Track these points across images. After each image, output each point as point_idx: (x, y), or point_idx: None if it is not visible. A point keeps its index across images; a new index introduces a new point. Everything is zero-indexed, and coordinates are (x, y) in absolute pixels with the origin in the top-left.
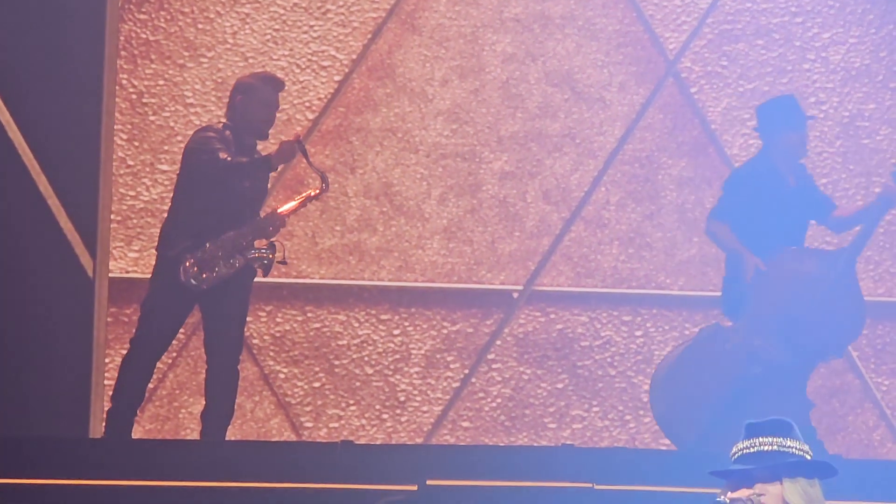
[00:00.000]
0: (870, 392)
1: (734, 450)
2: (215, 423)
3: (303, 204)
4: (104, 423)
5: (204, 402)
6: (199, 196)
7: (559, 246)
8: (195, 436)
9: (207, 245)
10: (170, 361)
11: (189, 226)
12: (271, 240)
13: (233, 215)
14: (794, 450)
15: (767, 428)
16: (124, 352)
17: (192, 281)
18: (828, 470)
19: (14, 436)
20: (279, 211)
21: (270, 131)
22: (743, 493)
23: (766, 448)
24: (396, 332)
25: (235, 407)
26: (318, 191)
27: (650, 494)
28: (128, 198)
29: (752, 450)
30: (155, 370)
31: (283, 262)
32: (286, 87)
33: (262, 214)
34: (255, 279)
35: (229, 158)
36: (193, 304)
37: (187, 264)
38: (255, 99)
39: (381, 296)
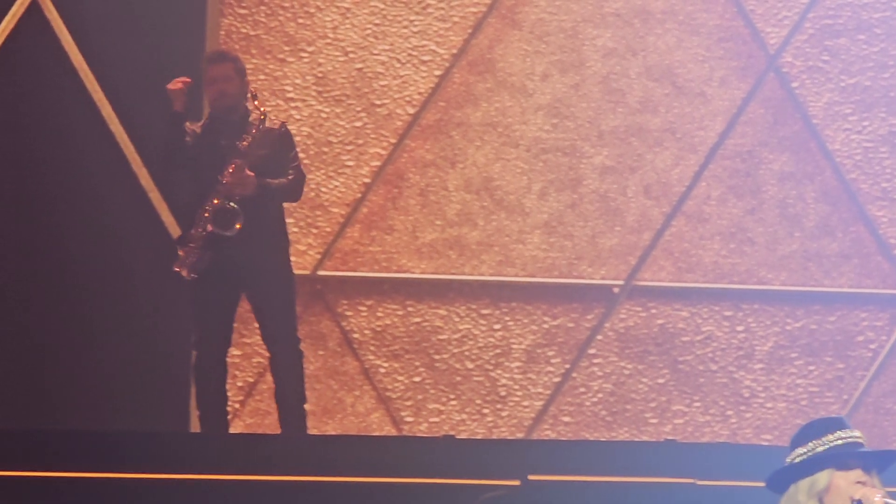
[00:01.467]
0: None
1: (848, 435)
2: (289, 405)
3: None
4: (200, 427)
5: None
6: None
7: (660, 241)
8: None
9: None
10: (269, 356)
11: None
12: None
13: (202, 194)
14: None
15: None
16: None
17: (191, 272)
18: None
19: (115, 430)
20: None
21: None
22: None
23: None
24: (497, 326)
25: (334, 401)
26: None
27: (752, 490)
28: None
29: (862, 439)
30: (253, 364)
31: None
32: (386, 83)
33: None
34: (356, 272)
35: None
36: (238, 294)
37: (181, 254)
38: (204, 82)
39: (482, 290)
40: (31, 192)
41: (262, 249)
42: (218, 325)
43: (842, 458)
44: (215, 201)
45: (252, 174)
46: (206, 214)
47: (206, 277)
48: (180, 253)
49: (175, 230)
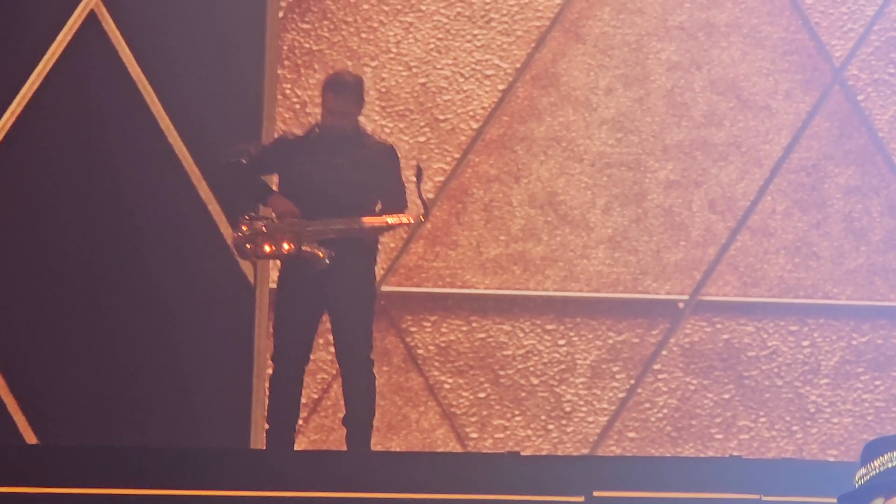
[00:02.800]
0: None
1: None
2: (357, 428)
3: (390, 227)
4: (265, 442)
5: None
6: (282, 192)
7: (725, 255)
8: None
9: (274, 218)
10: (335, 371)
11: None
12: (323, 251)
13: (307, 210)
14: None
15: None
16: None
17: (236, 248)
18: None
19: (176, 447)
20: (363, 219)
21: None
22: None
23: None
24: (562, 342)
25: (398, 418)
26: (410, 220)
27: None
28: None
29: None
30: (318, 380)
31: (323, 264)
32: (450, 97)
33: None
34: (420, 288)
35: (244, 161)
36: (322, 310)
37: (243, 228)
38: (322, 106)
39: (546, 306)
40: (95, 205)
41: (352, 267)
42: (298, 340)
43: (891, 486)
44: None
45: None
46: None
47: (291, 290)
48: (244, 228)
49: (221, 220)
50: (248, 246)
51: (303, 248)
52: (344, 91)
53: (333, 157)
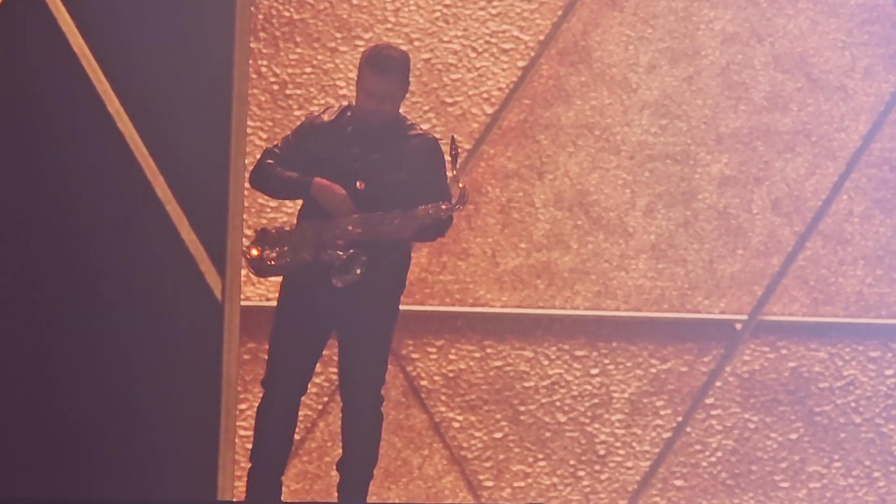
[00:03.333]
0: None
1: None
2: (354, 477)
3: (446, 213)
4: (246, 486)
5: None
6: None
7: (792, 266)
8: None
9: (285, 227)
10: (320, 407)
11: (301, 216)
12: (357, 251)
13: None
14: None
15: None
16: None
17: (256, 264)
18: None
19: (128, 501)
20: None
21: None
22: None
23: None
24: (594, 371)
25: (397, 462)
26: (445, 206)
27: None
28: (267, 209)
29: None
30: (300, 418)
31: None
32: (459, 77)
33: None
34: (424, 306)
35: (271, 162)
36: (329, 330)
37: (253, 252)
38: (359, 85)
39: (576, 327)
40: (29, 203)
41: (374, 281)
42: (298, 365)
43: None
44: (339, 242)
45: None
46: (325, 240)
47: (295, 301)
48: (259, 253)
49: (197, 248)
50: (270, 263)
51: (338, 253)
52: (387, 70)
53: (368, 152)
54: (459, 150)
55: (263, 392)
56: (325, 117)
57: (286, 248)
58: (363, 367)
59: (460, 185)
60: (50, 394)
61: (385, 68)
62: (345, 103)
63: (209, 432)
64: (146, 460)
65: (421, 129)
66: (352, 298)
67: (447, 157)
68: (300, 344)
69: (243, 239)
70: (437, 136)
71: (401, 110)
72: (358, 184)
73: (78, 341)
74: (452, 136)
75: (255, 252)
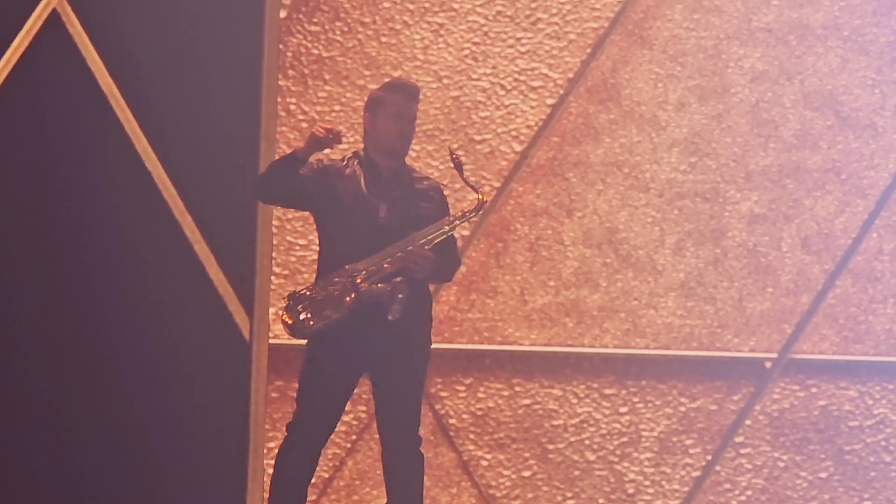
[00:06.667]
0: None
1: None
2: None
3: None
4: None
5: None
6: (324, 233)
7: (822, 305)
8: None
9: (317, 284)
10: (348, 446)
11: (322, 268)
12: (397, 280)
13: (361, 250)
14: None
15: None
16: None
17: (296, 329)
18: None
19: None
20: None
21: (418, 147)
22: None
23: None
24: (623, 409)
25: (426, 500)
26: (462, 213)
27: None
28: (297, 247)
29: None
30: (328, 457)
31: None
32: (488, 114)
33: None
34: (452, 344)
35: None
36: (360, 372)
37: (291, 308)
38: (384, 114)
39: (605, 366)
40: (53, 238)
41: (401, 321)
42: (326, 409)
43: None
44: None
45: (432, 255)
46: (360, 281)
47: (323, 351)
48: (288, 317)
49: (225, 288)
50: (310, 325)
51: (381, 286)
52: (414, 94)
53: (387, 190)
54: (487, 188)
55: (287, 433)
56: (335, 161)
57: (320, 304)
58: (401, 409)
59: (480, 196)
60: (78, 431)
61: (413, 93)
62: (349, 154)
63: (238, 471)
64: (175, 500)
65: (421, 173)
66: (384, 340)
67: (451, 166)
68: (329, 387)
69: (271, 282)
70: (453, 170)
71: (430, 147)
72: (381, 210)
73: (107, 381)
74: (449, 147)
75: (288, 320)
